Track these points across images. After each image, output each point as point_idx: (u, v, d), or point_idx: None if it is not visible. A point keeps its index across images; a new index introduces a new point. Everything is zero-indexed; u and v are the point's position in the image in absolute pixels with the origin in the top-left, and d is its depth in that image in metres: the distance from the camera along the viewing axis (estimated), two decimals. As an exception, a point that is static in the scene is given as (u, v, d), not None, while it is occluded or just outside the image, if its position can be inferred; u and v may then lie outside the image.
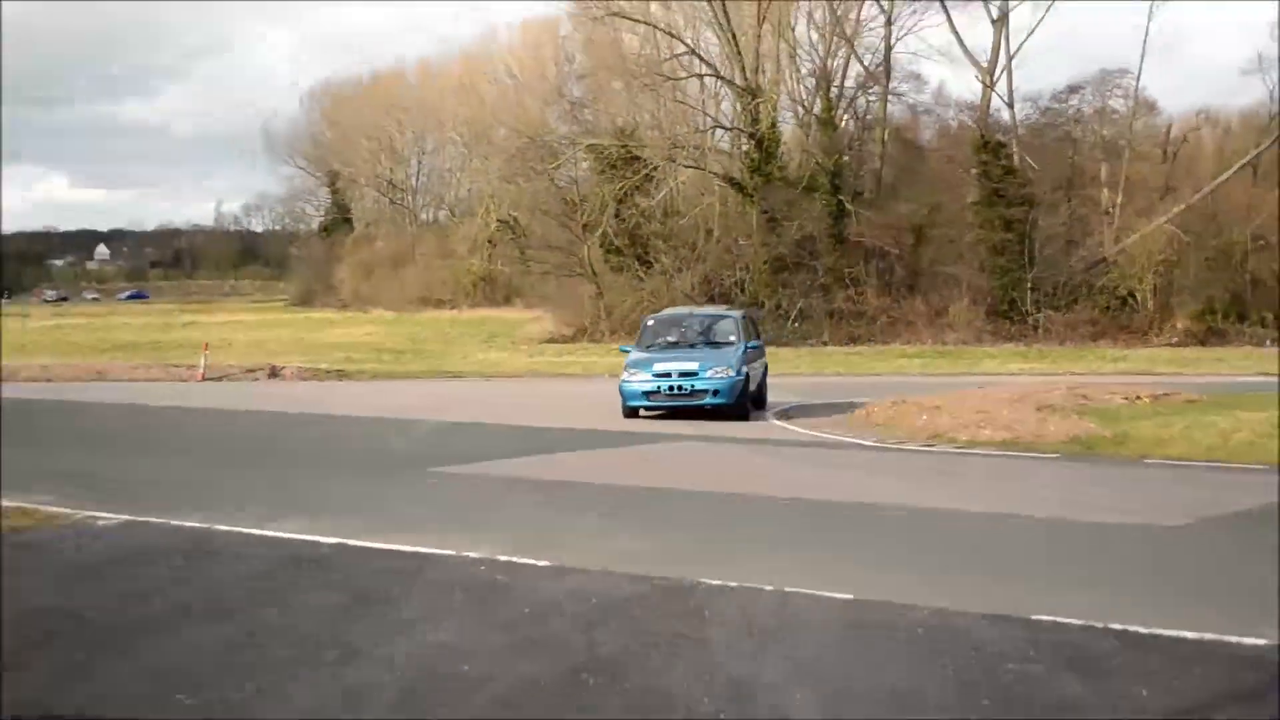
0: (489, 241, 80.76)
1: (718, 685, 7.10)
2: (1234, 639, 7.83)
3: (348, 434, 22.51)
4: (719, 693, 6.94)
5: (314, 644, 8.08)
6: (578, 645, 7.96)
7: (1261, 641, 7.79)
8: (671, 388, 22.79)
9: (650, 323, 26.49)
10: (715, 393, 22.68)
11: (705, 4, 55.39)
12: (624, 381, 23.13)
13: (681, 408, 22.78)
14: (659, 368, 23.09)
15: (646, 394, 22.85)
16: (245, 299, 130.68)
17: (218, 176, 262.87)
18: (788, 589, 9.30)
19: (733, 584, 9.44)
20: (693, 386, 22.73)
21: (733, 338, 24.61)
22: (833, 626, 8.46)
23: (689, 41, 56.80)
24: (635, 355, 24.01)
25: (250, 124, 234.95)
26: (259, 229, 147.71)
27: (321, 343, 50.95)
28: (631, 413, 23.01)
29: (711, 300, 53.76)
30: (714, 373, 22.86)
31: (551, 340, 53.88)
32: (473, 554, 10.56)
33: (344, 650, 7.85)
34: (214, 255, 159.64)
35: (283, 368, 36.96)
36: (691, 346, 24.39)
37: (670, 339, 25.04)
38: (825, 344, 50.34)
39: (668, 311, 29.26)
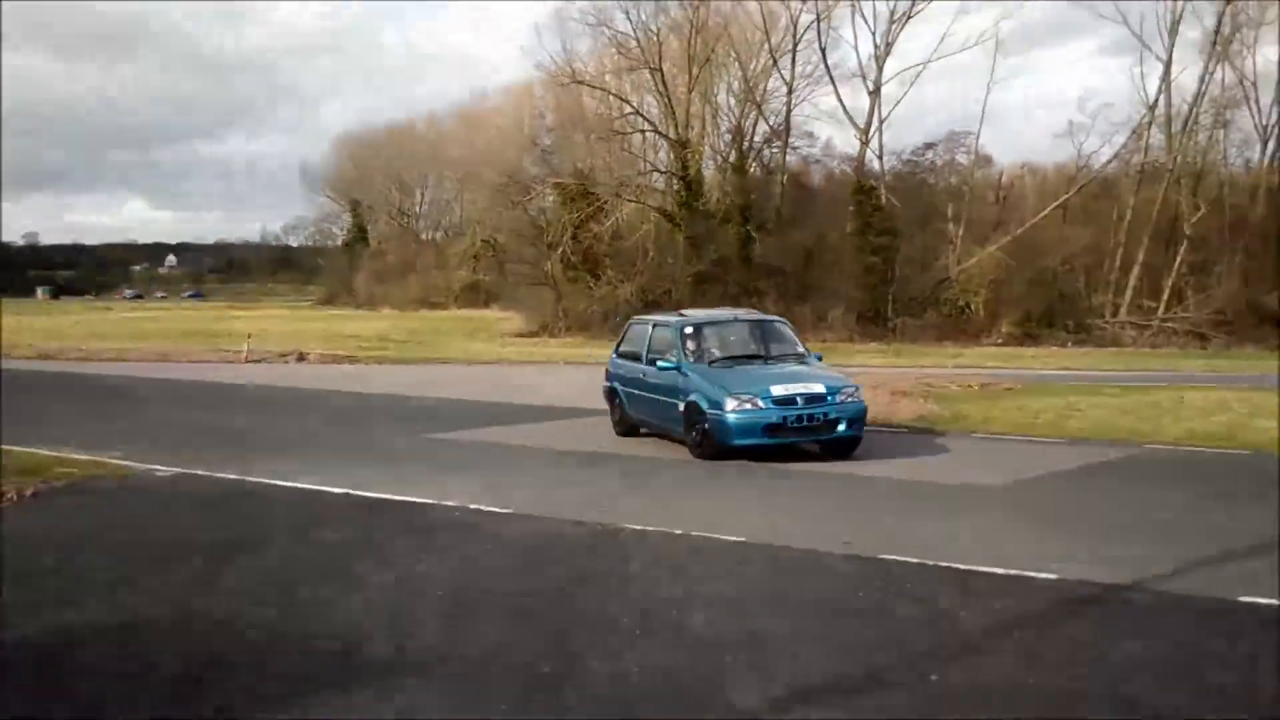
0: (475, 256, 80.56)
1: (636, 606, 7.15)
2: (1032, 574, 7.94)
3: (361, 405, 21.88)
4: (636, 611, 6.99)
5: (326, 572, 8.12)
6: (527, 575, 8.00)
7: (1053, 576, 7.90)
8: (800, 418, 13.59)
9: (689, 329, 15.22)
10: (851, 422, 13.98)
11: (648, 75, 54.98)
12: (725, 413, 13.50)
13: (809, 443, 14.06)
14: (778, 391, 13.70)
15: (768, 428, 13.54)
16: (282, 299, 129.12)
17: (264, 202, 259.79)
18: (694, 533, 9.31)
19: (649, 528, 9.44)
20: (825, 415, 13.71)
21: (800, 349, 15.71)
22: (726, 561, 8.50)
23: (634, 104, 56.68)
24: (702, 372, 14.34)
25: (291, 163, 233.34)
26: (295, 244, 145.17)
27: (340, 334, 50.33)
28: (724, 454, 13.64)
29: (647, 306, 53.82)
30: (844, 397, 13.99)
31: (520, 335, 53.31)
32: (449, 502, 10.49)
33: (348, 577, 7.88)
34: (258, 264, 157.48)
35: (308, 353, 36.42)
36: (766, 361, 14.98)
37: (728, 351, 15.15)
38: (734, 341, 49.49)
39: (698, 313, 16.86)
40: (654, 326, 16.22)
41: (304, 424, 18.60)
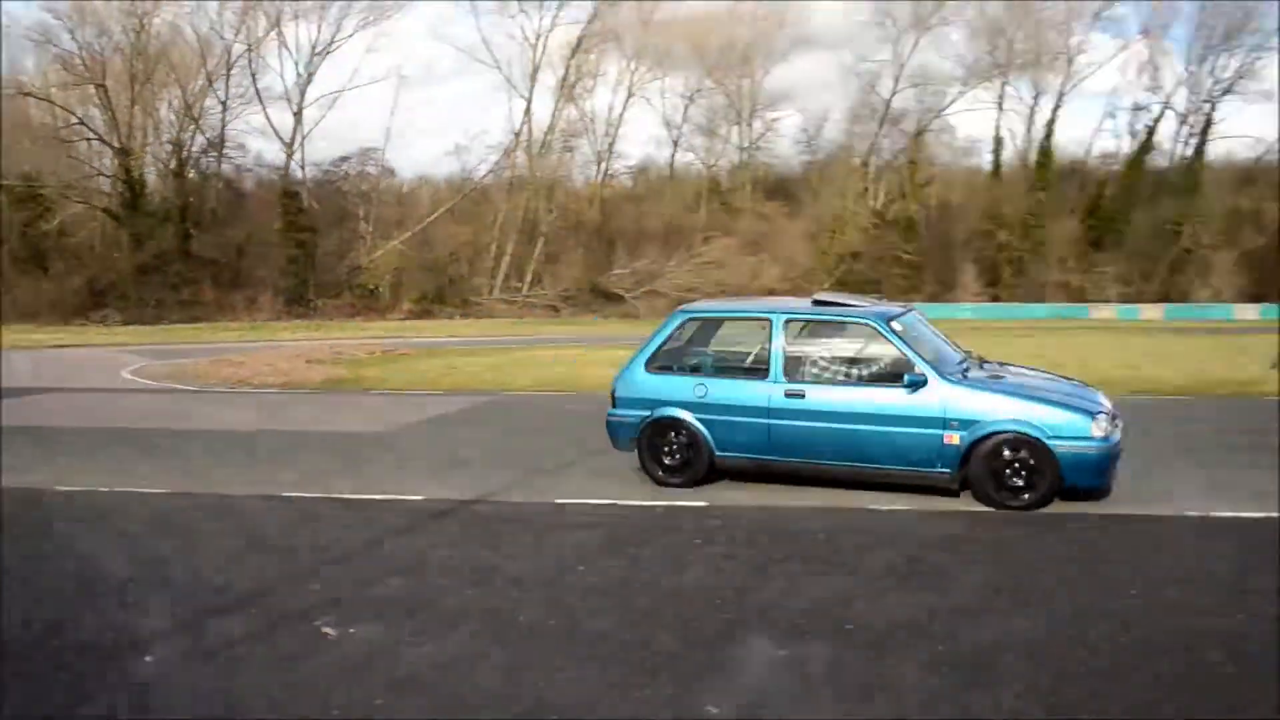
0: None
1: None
2: (397, 497, 8.58)
3: None
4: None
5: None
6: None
7: (418, 498, 8.46)
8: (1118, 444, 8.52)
9: (896, 323, 8.95)
10: None
11: (93, 90, 55.32)
12: (1092, 441, 8.11)
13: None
14: (1107, 403, 8.86)
15: (1114, 460, 8.49)
16: None
17: None
18: (117, 489, 9.16)
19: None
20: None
21: (960, 350, 9.75)
22: (152, 510, 8.42)
23: (79, 115, 56.39)
24: (976, 384, 8.62)
25: None
26: None
27: None
28: (1053, 497, 8.28)
29: (94, 295, 53.64)
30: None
31: (-39, 325, 47.10)
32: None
33: None
34: None
35: None
36: (981, 364, 9.48)
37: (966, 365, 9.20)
38: (175, 323, 50.51)
39: (847, 299, 9.38)
40: (786, 320, 9.23)
41: None
